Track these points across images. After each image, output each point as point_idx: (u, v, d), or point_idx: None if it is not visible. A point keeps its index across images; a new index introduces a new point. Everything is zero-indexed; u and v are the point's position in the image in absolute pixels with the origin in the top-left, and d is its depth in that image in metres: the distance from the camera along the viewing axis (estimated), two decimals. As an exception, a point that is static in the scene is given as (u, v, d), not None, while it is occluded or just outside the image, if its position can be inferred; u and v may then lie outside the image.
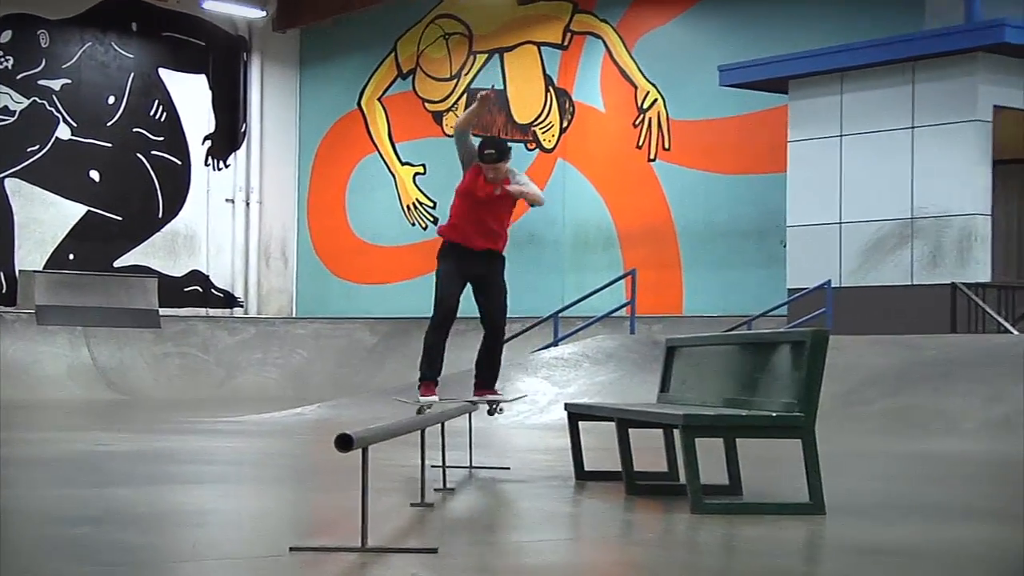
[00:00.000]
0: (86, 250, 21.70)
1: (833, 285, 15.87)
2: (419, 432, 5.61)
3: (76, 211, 21.76)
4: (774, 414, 5.88)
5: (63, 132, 21.62)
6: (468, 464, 7.91)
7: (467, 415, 7.98)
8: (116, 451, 9.25)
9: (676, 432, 6.09)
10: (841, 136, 16.19)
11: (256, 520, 5.77)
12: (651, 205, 19.87)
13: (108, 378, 19.75)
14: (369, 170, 23.02)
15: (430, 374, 8.08)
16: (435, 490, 6.64)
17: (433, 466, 7.10)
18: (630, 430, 6.81)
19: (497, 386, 8.42)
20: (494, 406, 8.33)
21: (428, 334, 8.10)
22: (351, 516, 5.20)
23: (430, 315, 8.16)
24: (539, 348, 16.09)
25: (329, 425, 12.17)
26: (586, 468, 7.43)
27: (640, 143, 20.08)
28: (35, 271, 20.79)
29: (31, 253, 21.29)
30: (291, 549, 4.60)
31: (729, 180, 19.16)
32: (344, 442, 4.18)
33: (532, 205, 8.21)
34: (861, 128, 15.94)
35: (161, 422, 12.86)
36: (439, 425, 6.84)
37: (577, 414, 7.50)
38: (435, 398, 7.88)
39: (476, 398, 8.15)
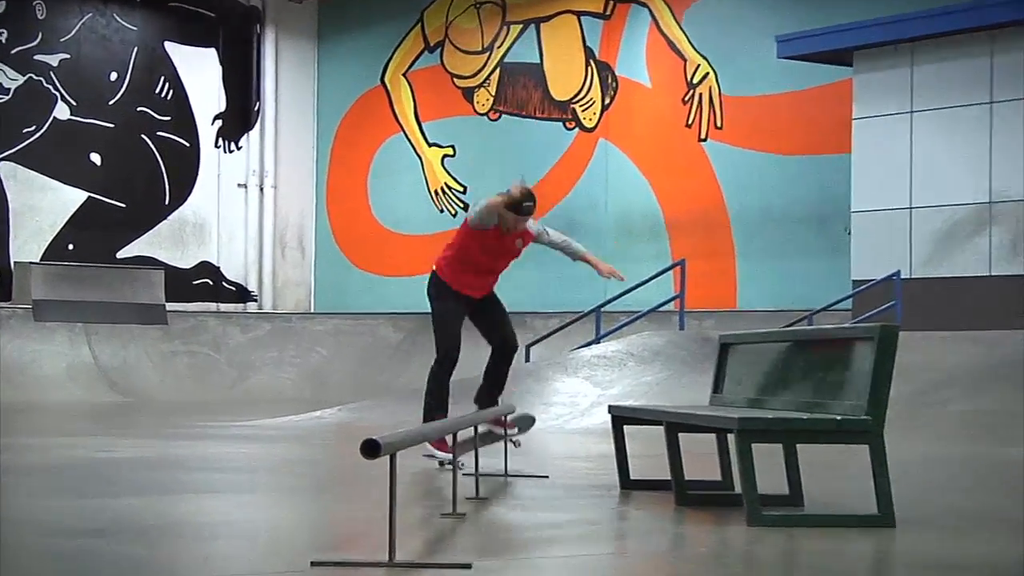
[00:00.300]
0: (87, 240, 21.85)
1: (902, 276, 15.81)
2: (451, 438, 5.62)
3: (76, 197, 21.91)
4: (839, 417, 5.88)
5: (61, 112, 21.77)
6: (503, 472, 7.93)
7: (503, 418, 7.99)
8: (121, 458, 9.32)
9: (731, 437, 6.09)
10: (911, 113, 16.12)
11: (273, 532, 5.81)
12: (702, 189, 19.84)
13: (111, 379, 19.88)
14: (393, 152, 23.08)
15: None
16: (468, 499, 6.67)
17: (465, 474, 7.12)
18: (680, 435, 6.82)
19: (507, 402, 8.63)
20: (511, 438, 8.58)
21: (436, 380, 8.40)
22: (377, 528, 5.23)
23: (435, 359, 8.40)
24: (579, 346, 16.10)
25: (351, 429, 12.23)
26: (632, 476, 7.44)
27: (690, 121, 20.04)
28: (32, 263, 20.95)
29: (27, 243, 21.46)
30: (313, 564, 4.62)
31: (787, 161, 19.10)
32: (371, 448, 4.20)
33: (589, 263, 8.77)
34: (934, 104, 15.86)
35: (169, 426, 12.95)
36: (472, 430, 6.86)
37: (622, 417, 7.51)
38: (449, 455, 7.94)
39: (496, 429, 8.36)
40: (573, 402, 13.00)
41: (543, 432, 12.07)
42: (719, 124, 19.73)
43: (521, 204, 8.41)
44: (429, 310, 8.58)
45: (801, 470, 6.68)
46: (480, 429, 7.79)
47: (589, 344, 16.01)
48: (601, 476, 7.98)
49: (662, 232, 20.21)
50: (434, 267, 8.65)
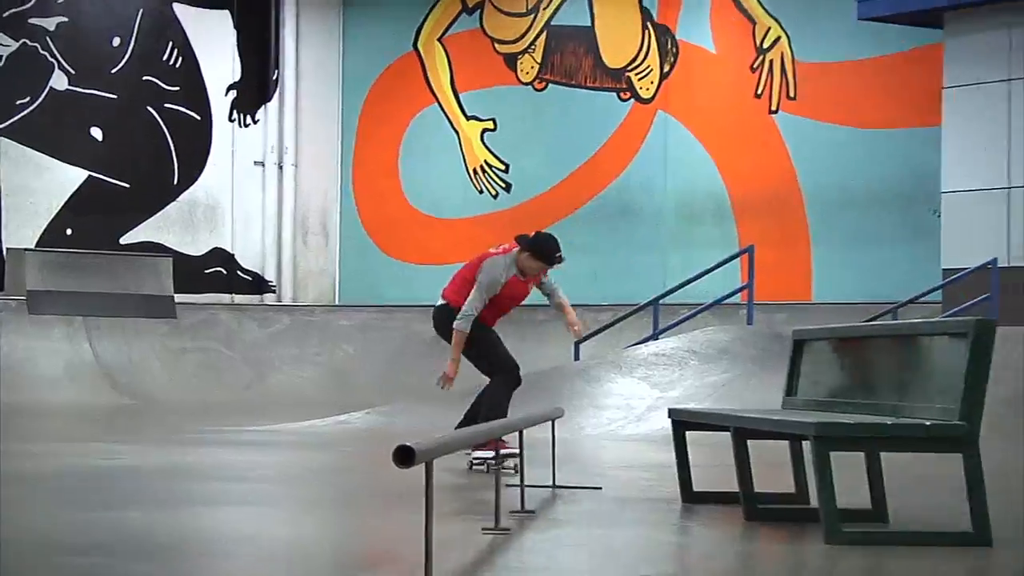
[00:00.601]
0: (86, 224, 21.99)
1: (999, 265, 15.71)
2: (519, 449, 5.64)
3: (74, 177, 22.05)
4: (928, 423, 5.87)
5: (59, 81, 21.91)
6: (551, 483, 7.95)
7: (551, 423, 8.04)
8: (126, 466, 9.40)
9: (806, 444, 6.10)
10: (1009, 81, 16.02)
11: (295, 549, 5.84)
12: (772, 167, 19.79)
13: (113, 378, 20.03)
14: (427, 126, 23.13)
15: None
16: (512, 513, 6.68)
17: (509, 485, 7.15)
18: (749, 442, 6.82)
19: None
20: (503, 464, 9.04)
21: (504, 396, 9.41)
22: (412, 544, 5.27)
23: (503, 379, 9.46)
24: (635, 343, 16.11)
25: (381, 435, 12.28)
26: (695, 488, 7.46)
27: (759, 91, 19.99)
28: (26, 249, 21.10)
29: (21, 228, 21.63)
30: None
31: (869, 136, 19.03)
32: (404, 455, 4.23)
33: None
34: (1034, 71, 15.77)
35: (178, 431, 13.05)
36: (516, 435, 6.90)
37: (684, 422, 7.53)
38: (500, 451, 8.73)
39: (501, 451, 8.89)
40: (628, 405, 13.02)
41: (595, 439, 12.10)
42: (792, 94, 19.66)
43: (554, 256, 9.41)
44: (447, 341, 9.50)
45: (885, 482, 6.68)
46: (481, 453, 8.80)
47: (646, 341, 16.01)
48: (660, 488, 8.00)
49: (728, 215, 20.18)
50: (447, 300, 9.56)
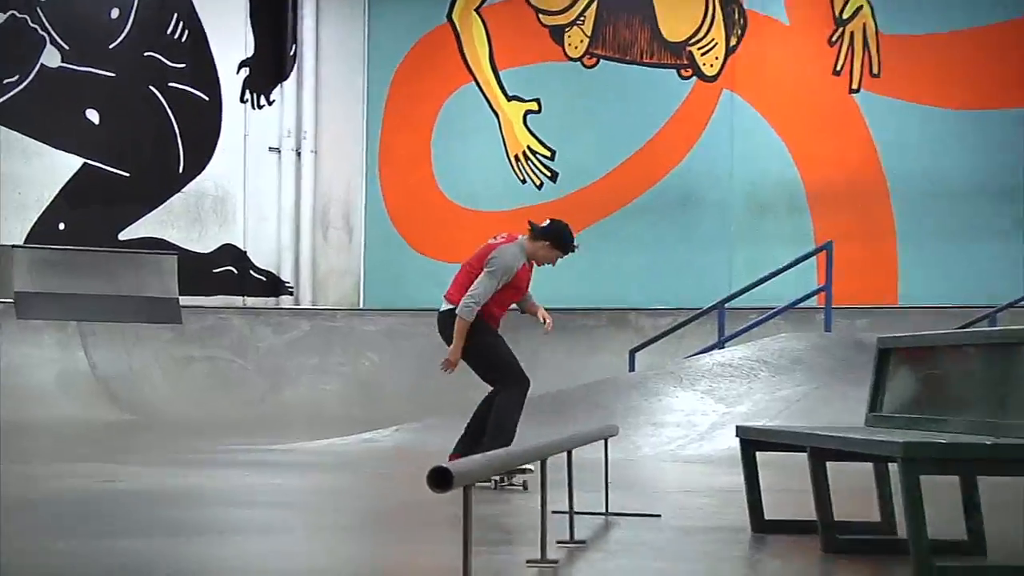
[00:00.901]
0: (82, 218, 22.09)
1: (1112, 264, 15.63)
2: (538, 465, 5.65)
3: (68, 165, 22.15)
4: (1032, 443, 5.86)
5: (51, 58, 22.02)
6: (604, 509, 7.93)
7: (603, 442, 8.05)
8: (127, 490, 9.43)
9: (893, 467, 6.08)
10: (1123, 55, 15.93)
11: None
12: (853, 153, 19.73)
13: (111, 391, 20.11)
14: (463, 107, 23.15)
15: None
16: (560, 544, 6.68)
17: (556, 512, 7.15)
18: (828, 464, 6.80)
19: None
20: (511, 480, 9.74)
21: (518, 407, 9.84)
22: None
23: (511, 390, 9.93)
24: (697, 352, 16.10)
25: (412, 455, 12.34)
26: (766, 516, 7.44)
27: (838, 68, 19.93)
28: (13, 246, 21.21)
29: (8, 221, 21.74)
30: None
31: (964, 118, 18.94)
32: (440, 477, 4.23)
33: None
34: None
35: (184, 451, 13.09)
36: (564, 455, 6.89)
37: (753, 441, 7.51)
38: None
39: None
40: (690, 422, 13.01)
41: (653, 460, 12.09)
42: (875, 71, 19.59)
43: (572, 246, 10.18)
44: (453, 348, 9.88)
45: (983, 510, 6.64)
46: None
47: (710, 349, 15.99)
48: (727, 516, 8.00)
49: (803, 208, 20.13)
50: (451, 303, 9.96)
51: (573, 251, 10.19)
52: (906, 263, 19.31)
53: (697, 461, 11.95)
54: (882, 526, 7.15)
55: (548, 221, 10.27)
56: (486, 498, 8.34)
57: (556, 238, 10.04)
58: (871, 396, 7.39)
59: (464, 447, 9.89)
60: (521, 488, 9.61)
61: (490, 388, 9.98)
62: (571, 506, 7.04)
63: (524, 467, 9.35)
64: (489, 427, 9.75)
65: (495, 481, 9.63)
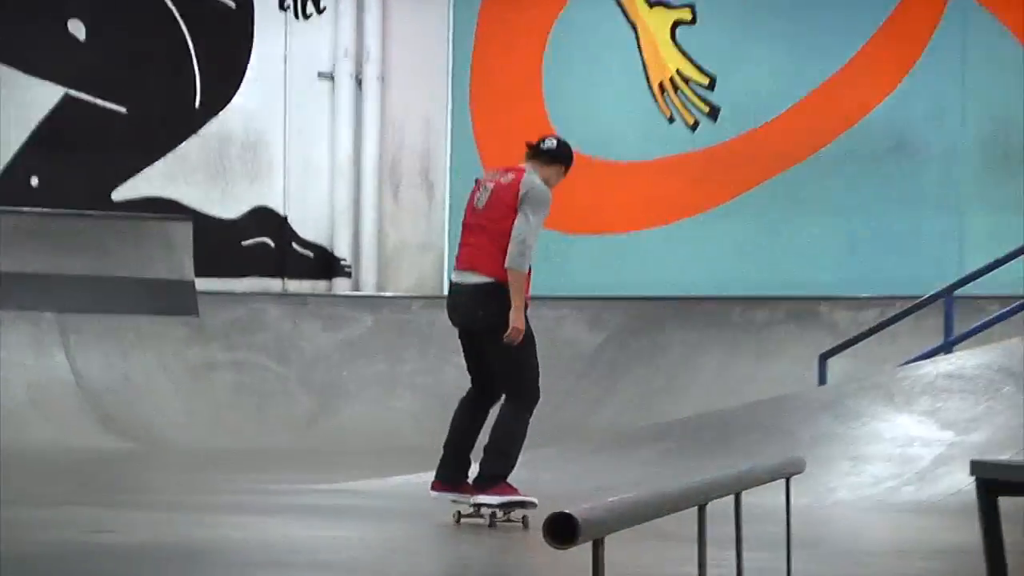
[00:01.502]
0: (62, 169, 22.22)
1: None
2: (696, 512, 5.59)
3: (44, 96, 22.29)
4: None
5: (22, -48, 22.17)
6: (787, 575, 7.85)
7: (784, 482, 7.96)
8: (128, 544, 9.47)
9: None
10: None
11: None
12: None
13: (102, 408, 20.23)
14: (585, 21, 23.14)
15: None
16: None
17: (718, 579, 7.11)
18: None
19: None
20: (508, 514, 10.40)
21: (525, 427, 10.54)
22: None
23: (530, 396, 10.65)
24: (915, 357, 15.99)
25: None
26: (1014, 588, 7.34)
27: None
28: (-27, 209, 21.35)
29: (-35, 176, 21.92)
30: None
31: None
32: (562, 528, 4.17)
33: None
34: None
35: (199, 490, 13.13)
36: (731, 499, 6.82)
37: (995, 481, 7.41)
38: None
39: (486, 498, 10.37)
40: (904, 456, 12.94)
41: (851, 507, 12.02)
42: None
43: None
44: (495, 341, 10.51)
45: None
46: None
47: (933, 354, 15.88)
48: (958, 586, 7.80)
49: (1063, 159, 20.00)
50: (488, 275, 10.56)
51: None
52: None
53: (914, 510, 11.90)
54: None
55: (551, 138, 11.17)
56: (629, 554, 8.27)
57: (569, 158, 10.96)
58: None
59: (450, 472, 10.54)
60: (521, 525, 10.05)
61: (469, 397, 10.72)
62: (739, 568, 6.99)
63: (525, 499, 10.08)
64: (490, 448, 10.38)
65: (489, 517, 10.21)
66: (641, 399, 9.31)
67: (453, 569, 9.13)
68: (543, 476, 13.22)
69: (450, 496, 10.59)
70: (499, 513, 10.23)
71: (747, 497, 7.10)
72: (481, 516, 10.32)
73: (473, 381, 10.79)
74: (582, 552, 4.43)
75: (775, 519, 8.21)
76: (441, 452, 10.73)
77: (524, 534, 9.88)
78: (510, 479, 10.31)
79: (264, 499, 12.52)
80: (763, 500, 8.42)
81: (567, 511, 4.19)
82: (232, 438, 19.62)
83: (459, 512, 10.48)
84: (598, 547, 4.50)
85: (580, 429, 18.08)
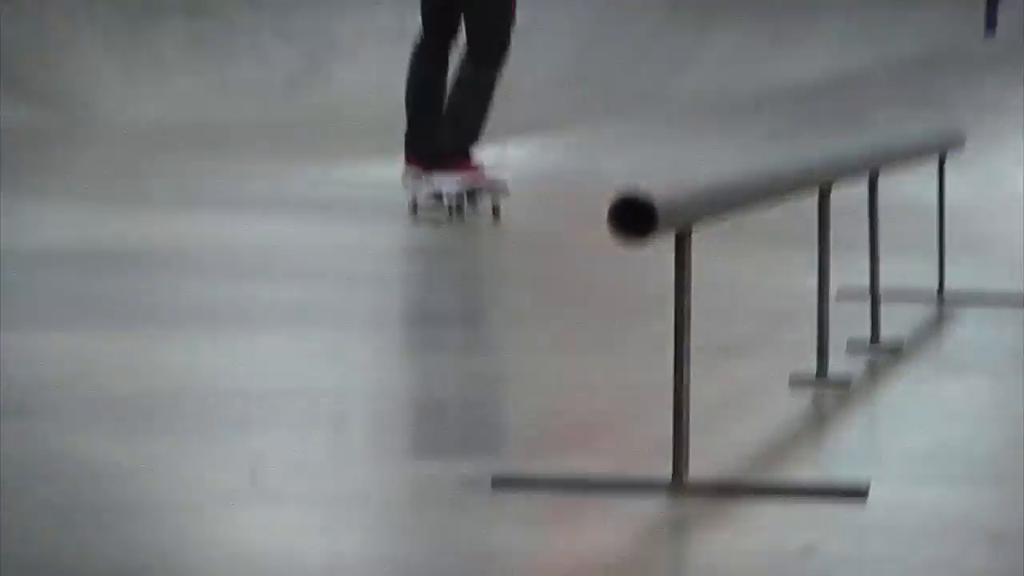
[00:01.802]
0: None
1: None
2: (816, 202, 5.26)
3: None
4: None
5: None
6: (936, 287, 7.33)
7: (938, 160, 6.96)
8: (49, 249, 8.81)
9: None
10: None
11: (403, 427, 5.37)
12: None
13: (10, 69, 19.36)
14: None
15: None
16: (851, 350, 6.17)
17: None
18: None
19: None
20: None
21: (495, 80, 10.05)
22: (646, 424, 4.92)
23: None
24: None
25: (569, 183, 11.68)
26: None
27: None
28: None
29: None
30: (495, 483, 4.11)
31: None
32: (636, 214, 3.55)
33: None
34: None
35: (147, 179, 12.64)
36: (864, 189, 5.74)
37: None
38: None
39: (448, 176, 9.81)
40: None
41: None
42: None
43: None
44: None
45: None
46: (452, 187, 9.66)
47: None
48: None
49: None
50: None
51: None
52: None
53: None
54: None
55: None
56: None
57: None
58: None
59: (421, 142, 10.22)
60: (492, 215, 9.81)
61: (424, 46, 10.09)
62: (874, 280, 6.28)
63: (494, 179, 9.80)
64: (448, 114, 9.90)
65: (452, 203, 9.86)
66: (737, 58, 8.33)
67: (497, 280, 8.56)
68: (605, 162, 12.64)
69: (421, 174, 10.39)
70: (461, 201, 9.95)
71: (884, 184, 6.07)
72: (442, 206, 10.00)
73: (427, 22, 10.20)
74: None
75: (921, 213, 7.55)
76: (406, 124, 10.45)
77: (496, 230, 9.48)
78: (476, 157, 9.97)
79: (224, 189, 11.85)
80: (904, 189, 7.48)
81: (640, 193, 3.51)
82: (183, 110, 18.84)
83: (415, 200, 10.04)
84: (683, 241, 3.97)
85: (654, 98, 17.07)
